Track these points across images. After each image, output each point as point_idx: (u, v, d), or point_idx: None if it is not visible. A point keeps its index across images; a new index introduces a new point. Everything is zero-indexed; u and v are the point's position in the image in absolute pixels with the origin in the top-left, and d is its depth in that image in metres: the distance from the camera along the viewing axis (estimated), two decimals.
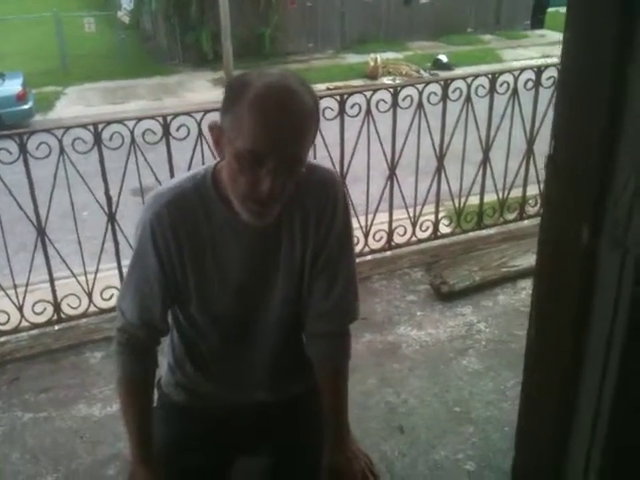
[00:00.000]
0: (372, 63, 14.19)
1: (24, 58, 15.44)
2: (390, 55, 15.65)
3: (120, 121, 2.99)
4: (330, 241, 1.40)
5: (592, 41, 1.24)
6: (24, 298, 3.13)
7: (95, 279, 3.24)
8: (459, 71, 14.14)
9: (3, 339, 3.12)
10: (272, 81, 1.16)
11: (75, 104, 12.85)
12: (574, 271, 1.44)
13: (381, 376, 2.85)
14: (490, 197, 4.00)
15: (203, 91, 13.60)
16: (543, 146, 3.90)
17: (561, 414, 1.66)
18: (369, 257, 3.69)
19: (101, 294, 3.24)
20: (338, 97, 3.33)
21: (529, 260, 3.55)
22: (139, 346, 1.44)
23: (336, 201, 1.38)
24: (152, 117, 3.02)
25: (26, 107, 11.31)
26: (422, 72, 14.42)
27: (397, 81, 13.84)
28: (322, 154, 3.08)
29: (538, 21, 18.94)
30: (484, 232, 4.01)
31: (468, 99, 3.55)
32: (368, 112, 3.37)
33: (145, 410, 1.47)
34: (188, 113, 3.09)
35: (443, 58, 14.84)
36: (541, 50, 16.06)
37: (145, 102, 12.82)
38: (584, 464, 1.49)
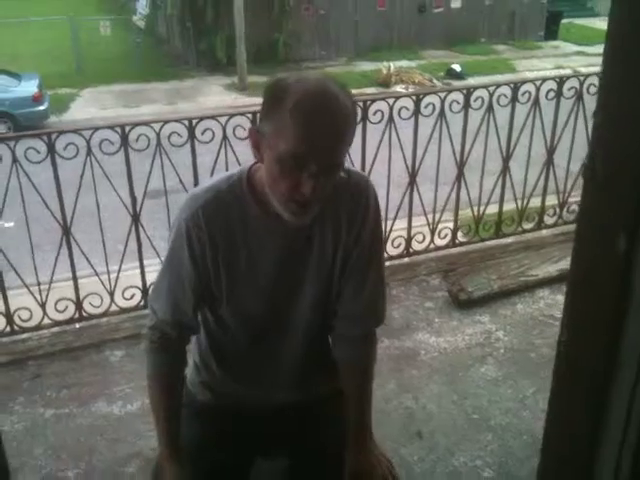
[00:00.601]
0: (385, 71, 14.23)
1: (40, 60, 15.55)
2: (403, 63, 15.67)
3: (147, 123, 3.03)
4: (360, 245, 1.41)
5: (636, 48, 1.25)
6: (47, 295, 3.16)
7: (117, 278, 3.26)
8: (472, 81, 14.16)
9: (25, 336, 3.15)
10: (312, 86, 1.19)
11: (89, 106, 12.92)
12: (610, 279, 1.44)
13: (400, 382, 2.86)
14: (509, 206, 4.01)
15: (216, 96, 13.66)
16: (563, 157, 3.95)
17: (591, 421, 1.66)
18: (387, 263, 3.70)
19: (123, 293, 3.26)
20: (361, 103, 3.35)
21: (547, 270, 3.57)
22: (171, 344, 1.46)
23: (368, 205, 1.41)
24: (178, 120, 3.05)
25: (42, 108, 11.40)
26: (435, 81, 14.44)
27: (410, 89, 13.87)
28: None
29: (552, 32, 18.91)
30: (502, 241, 4.02)
31: (490, 108, 3.57)
32: (390, 119, 3.39)
33: (175, 407, 1.50)
34: (213, 117, 3.12)
35: (456, 67, 14.85)
36: (554, 61, 16.05)
37: (159, 106, 12.89)
38: (613, 474, 1.49)
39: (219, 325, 1.49)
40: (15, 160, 2.87)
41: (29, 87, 11.51)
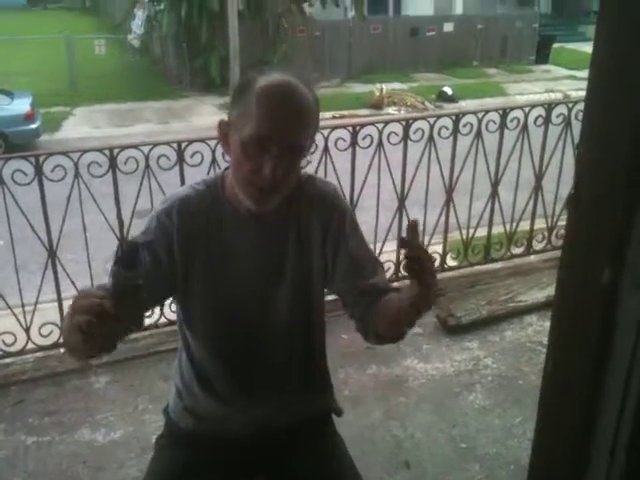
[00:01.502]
0: (377, 93, 14.30)
1: (34, 78, 15.56)
2: (395, 86, 15.77)
3: (136, 146, 3.02)
4: (347, 239, 1.44)
5: (617, 78, 1.25)
6: (32, 319, 3.12)
7: None
8: (463, 103, 14.27)
9: (9, 360, 3.11)
10: (275, 76, 1.29)
11: (82, 125, 12.91)
12: (594, 311, 1.43)
13: (387, 409, 2.84)
14: (497, 229, 4.02)
15: (209, 116, 13.67)
16: (551, 182, 3.97)
17: (576, 453, 1.64)
18: None
19: None
20: (351, 128, 3.36)
21: (536, 296, 3.56)
22: None
23: (341, 207, 1.46)
24: (167, 143, 3.05)
25: (34, 127, 11.34)
26: (427, 103, 14.52)
27: (402, 111, 13.95)
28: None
29: (543, 56, 19.11)
30: (491, 266, 4.02)
31: (479, 134, 3.59)
32: (380, 144, 3.40)
33: None
34: (203, 140, 3.11)
35: (448, 90, 14.95)
36: (545, 85, 16.20)
37: (152, 125, 12.89)
38: None
39: (198, 341, 1.47)
40: (1, 182, 2.85)
41: (21, 105, 11.47)
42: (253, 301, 1.43)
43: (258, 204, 1.32)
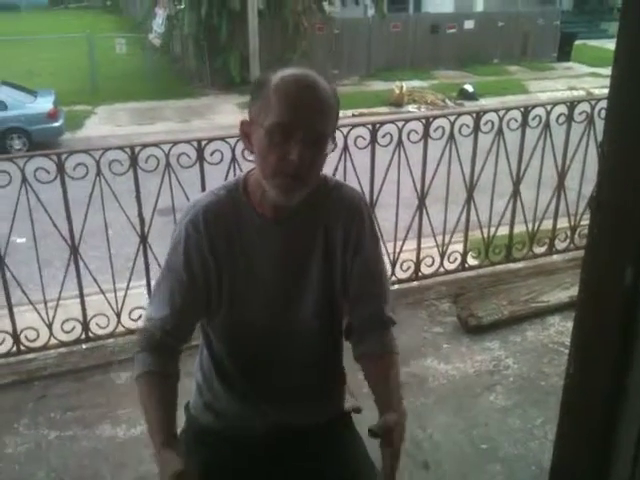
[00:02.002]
0: (397, 91, 14.25)
1: (57, 77, 15.74)
2: (415, 83, 15.72)
3: (156, 144, 3.04)
4: (362, 253, 1.44)
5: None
6: (54, 315, 3.15)
7: (125, 298, 3.25)
8: (484, 101, 14.17)
9: (31, 356, 3.15)
10: (292, 69, 1.31)
11: (104, 124, 13.03)
12: (616, 312, 1.41)
13: (407, 409, 2.81)
14: (519, 228, 3.98)
15: (229, 114, 13.73)
16: (574, 180, 3.92)
17: (598, 456, 1.62)
18: (396, 286, 3.67)
19: (129, 314, 3.25)
20: (370, 126, 3.35)
21: (558, 296, 3.52)
22: (160, 347, 1.40)
23: (363, 216, 1.45)
24: (187, 142, 3.06)
25: (56, 125, 11.49)
26: (447, 101, 14.46)
27: (422, 109, 13.89)
28: (352, 181, 3.09)
29: (565, 53, 18.92)
30: (513, 265, 3.98)
31: (500, 132, 3.55)
32: (400, 142, 3.38)
33: (166, 398, 1.38)
34: (222, 138, 3.12)
35: (469, 88, 14.86)
36: (567, 82, 16.04)
37: (172, 124, 12.98)
38: None
39: (221, 339, 1.48)
40: (24, 180, 2.88)
41: (45, 104, 11.62)
42: (277, 304, 1.43)
43: (285, 194, 1.30)
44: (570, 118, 3.70)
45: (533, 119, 3.65)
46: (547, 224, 4.04)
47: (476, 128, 3.52)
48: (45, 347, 3.15)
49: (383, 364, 1.46)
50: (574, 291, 3.41)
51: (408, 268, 3.73)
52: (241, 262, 1.39)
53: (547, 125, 3.65)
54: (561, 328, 3.37)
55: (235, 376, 1.51)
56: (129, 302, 3.28)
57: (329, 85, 1.32)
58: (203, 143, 3.05)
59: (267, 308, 1.43)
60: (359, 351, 1.49)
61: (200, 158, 3.05)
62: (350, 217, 1.43)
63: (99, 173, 2.94)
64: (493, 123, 3.57)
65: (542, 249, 4.04)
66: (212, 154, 3.10)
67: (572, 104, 3.71)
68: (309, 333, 1.47)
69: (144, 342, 1.42)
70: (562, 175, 3.83)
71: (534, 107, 3.67)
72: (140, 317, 3.25)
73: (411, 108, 13.97)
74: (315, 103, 1.27)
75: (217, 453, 1.53)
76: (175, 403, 1.38)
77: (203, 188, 3.13)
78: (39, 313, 3.14)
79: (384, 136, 3.39)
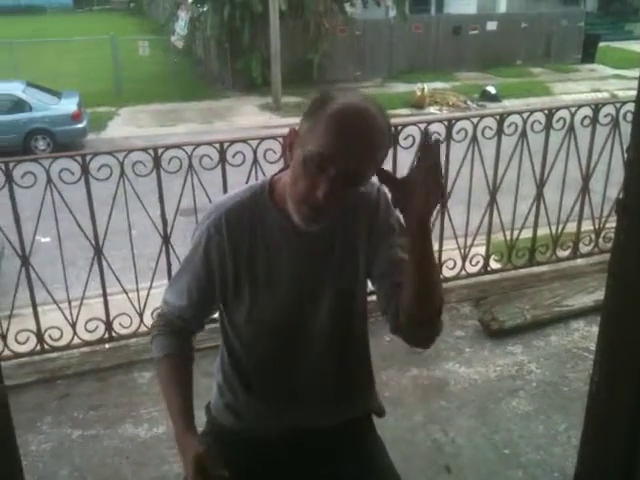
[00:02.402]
0: (419, 92, 14.21)
1: (81, 79, 15.92)
2: (437, 85, 15.66)
3: (179, 146, 3.06)
4: (392, 236, 1.40)
5: None
6: (78, 314, 3.18)
7: (147, 298, 3.27)
8: (507, 103, 14.07)
9: (55, 355, 3.18)
10: (354, 100, 1.26)
11: (127, 125, 13.17)
12: None
13: (427, 412, 2.80)
14: (543, 231, 3.93)
15: (250, 116, 13.81)
16: (599, 183, 3.87)
17: (623, 463, 1.60)
18: None
19: (152, 314, 3.26)
20: (392, 128, 3.33)
21: (582, 300, 3.48)
22: (177, 331, 1.50)
23: (386, 207, 1.42)
24: (209, 143, 3.07)
25: (80, 126, 11.63)
26: (469, 103, 14.38)
27: (444, 111, 13.83)
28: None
29: (589, 55, 18.72)
30: (536, 269, 3.93)
31: (523, 134, 3.52)
32: None
33: (185, 381, 1.47)
34: (244, 140, 3.13)
35: (491, 89, 14.77)
36: (591, 84, 15.86)
37: (194, 125, 13.07)
38: None
39: (241, 339, 1.48)
40: (49, 180, 2.91)
41: (69, 105, 11.77)
42: (297, 307, 1.43)
43: (307, 223, 1.30)
44: (595, 120, 3.65)
45: (557, 121, 3.61)
46: (571, 227, 4.00)
47: (499, 130, 3.49)
48: (68, 346, 3.18)
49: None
50: (599, 295, 3.37)
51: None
52: (261, 265, 1.39)
53: (572, 128, 3.61)
54: (585, 333, 3.33)
55: (254, 376, 1.51)
56: (151, 302, 3.30)
57: (386, 123, 1.26)
58: (225, 145, 3.06)
59: (285, 309, 1.43)
60: (402, 320, 1.36)
61: (222, 160, 3.06)
62: (370, 208, 1.41)
63: (123, 174, 2.97)
64: (517, 125, 3.54)
65: (566, 253, 4.00)
66: (234, 156, 3.11)
67: (597, 106, 3.67)
68: (328, 335, 1.46)
69: (162, 326, 1.51)
70: (587, 178, 3.78)
71: (558, 109, 3.63)
72: None
73: (433, 110, 13.93)
74: (362, 144, 1.22)
75: (237, 454, 1.53)
76: (191, 386, 1.48)
77: (225, 189, 3.15)
78: (63, 312, 3.17)
79: (406, 138, 3.37)
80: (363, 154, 1.23)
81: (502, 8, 21.86)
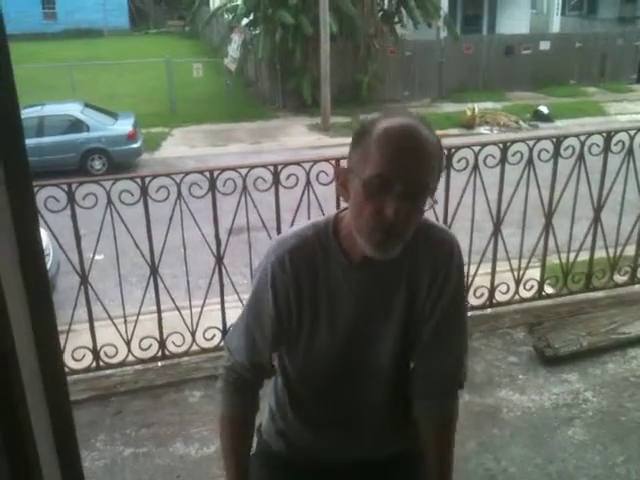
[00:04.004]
0: (469, 112, 14.11)
1: (136, 100, 16.40)
2: (488, 105, 15.53)
3: (234, 168, 3.10)
4: (443, 304, 1.38)
5: None
6: (133, 332, 3.24)
7: (200, 316, 3.31)
8: (559, 123, 13.85)
9: (109, 372, 3.24)
10: (398, 118, 1.25)
11: (180, 145, 13.47)
12: None
13: (480, 440, 2.75)
14: (599, 253, 3.83)
15: (300, 136, 13.95)
16: None
17: None
18: (469, 313, 3.60)
19: (203, 333, 3.31)
20: (445, 151, 3.32)
21: None
22: (246, 387, 1.48)
23: (451, 263, 1.38)
24: (264, 165, 3.11)
25: (135, 146, 11.95)
26: (521, 123, 14.20)
27: (494, 131, 13.68)
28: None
29: None
30: (592, 295, 3.83)
31: (581, 157, 3.45)
32: (475, 167, 3.34)
33: (245, 452, 1.51)
34: (298, 163, 3.16)
35: (544, 109, 14.56)
36: None
37: (245, 145, 13.28)
38: None
39: (297, 369, 1.48)
40: (110, 202, 2.99)
41: (125, 126, 12.12)
42: (356, 342, 1.41)
43: (380, 251, 1.25)
44: None
45: (615, 144, 3.53)
46: (629, 250, 3.89)
47: (556, 154, 3.43)
48: (123, 363, 3.24)
49: (443, 430, 1.47)
50: None
51: (482, 295, 3.65)
52: (324, 302, 1.38)
53: (630, 150, 3.53)
54: None
55: (308, 405, 1.51)
56: (203, 321, 3.34)
57: (435, 135, 1.25)
58: (279, 167, 3.10)
59: (346, 346, 1.41)
60: (420, 412, 1.47)
61: (276, 182, 3.10)
62: (438, 261, 1.37)
63: (179, 195, 3.03)
64: (574, 148, 3.47)
65: (624, 278, 3.88)
66: (287, 178, 3.14)
67: None
68: (385, 370, 1.45)
69: (232, 381, 1.49)
70: None
71: (617, 132, 3.55)
72: (214, 337, 3.31)
73: (483, 130, 13.81)
74: (417, 155, 1.20)
75: (285, 479, 1.54)
76: (250, 446, 1.54)
77: (277, 210, 3.18)
78: (118, 330, 3.23)
79: (459, 161, 3.35)
80: (420, 164, 1.21)
81: (555, 28, 21.59)
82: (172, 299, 3.26)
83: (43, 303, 0.78)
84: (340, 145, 12.49)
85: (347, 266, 1.35)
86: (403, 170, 1.19)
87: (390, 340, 1.41)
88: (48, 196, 2.81)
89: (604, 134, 3.50)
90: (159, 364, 3.29)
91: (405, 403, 1.52)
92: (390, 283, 1.38)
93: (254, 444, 1.60)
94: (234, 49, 17.33)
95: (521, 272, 3.67)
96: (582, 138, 3.46)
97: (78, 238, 2.98)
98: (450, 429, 1.49)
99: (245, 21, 16.79)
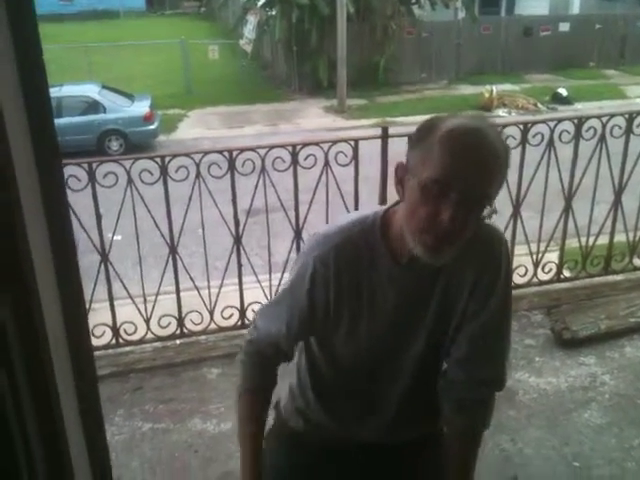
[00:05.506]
0: (487, 95, 13.95)
1: (153, 81, 16.38)
2: (506, 87, 15.34)
3: (253, 149, 3.11)
4: (489, 305, 1.34)
5: None
6: (152, 311, 3.27)
7: (218, 296, 3.33)
8: (579, 106, 13.67)
9: (129, 349, 3.28)
10: (464, 121, 1.19)
11: (196, 127, 13.46)
12: None
13: (496, 422, 2.71)
14: (619, 237, 3.80)
15: (315, 118, 13.89)
16: None
17: None
18: None
19: (222, 312, 3.34)
20: None
21: None
22: (265, 362, 1.48)
23: (500, 262, 1.34)
24: (282, 146, 3.11)
25: (152, 128, 11.96)
26: (540, 105, 14.03)
27: (512, 113, 13.54)
28: None
29: None
30: (611, 278, 3.80)
31: (602, 138, 3.42)
32: None
33: (260, 425, 1.48)
34: (317, 143, 3.16)
35: (563, 92, 14.37)
36: None
37: (260, 127, 13.24)
38: None
39: (325, 357, 1.47)
40: (130, 181, 3.01)
41: (141, 107, 12.13)
42: (391, 339, 1.40)
43: (431, 254, 1.20)
44: None
45: (638, 126, 3.49)
46: None
47: (577, 135, 3.39)
48: (142, 341, 3.28)
49: (471, 442, 1.45)
50: None
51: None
52: (364, 301, 1.35)
53: None
54: None
55: (333, 396, 1.50)
56: (221, 301, 3.37)
57: (501, 140, 1.20)
58: (298, 147, 3.10)
59: (379, 342, 1.39)
60: (450, 420, 1.44)
61: (294, 162, 3.10)
62: (485, 261, 1.33)
63: (198, 175, 3.04)
64: (595, 129, 3.43)
65: None
66: (306, 159, 3.14)
67: None
68: (415, 367, 1.43)
69: (252, 354, 1.48)
70: None
71: (639, 114, 3.51)
72: (231, 316, 3.34)
73: (501, 112, 13.66)
74: (480, 162, 1.15)
75: (306, 459, 1.56)
76: (265, 423, 1.50)
77: (296, 190, 3.18)
78: (138, 308, 3.27)
79: None
80: (483, 175, 1.15)
81: (575, 9, 21.24)
82: (191, 278, 3.29)
83: (72, 281, 0.79)
84: (356, 127, 12.43)
85: (393, 267, 1.31)
86: (463, 178, 1.14)
87: (425, 339, 1.38)
88: (69, 175, 2.83)
89: (626, 116, 3.46)
90: (177, 342, 3.33)
91: (429, 395, 1.50)
92: (431, 281, 1.34)
93: (271, 420, 1.61)
94: (250, 30, 17.26)
95: (540, 255, 3.65)
96: (604, 120, 3.42)
97: (99, 217, 3.01)
98: (480, 439, 1.46)
99: (261, 2, 16.65)
